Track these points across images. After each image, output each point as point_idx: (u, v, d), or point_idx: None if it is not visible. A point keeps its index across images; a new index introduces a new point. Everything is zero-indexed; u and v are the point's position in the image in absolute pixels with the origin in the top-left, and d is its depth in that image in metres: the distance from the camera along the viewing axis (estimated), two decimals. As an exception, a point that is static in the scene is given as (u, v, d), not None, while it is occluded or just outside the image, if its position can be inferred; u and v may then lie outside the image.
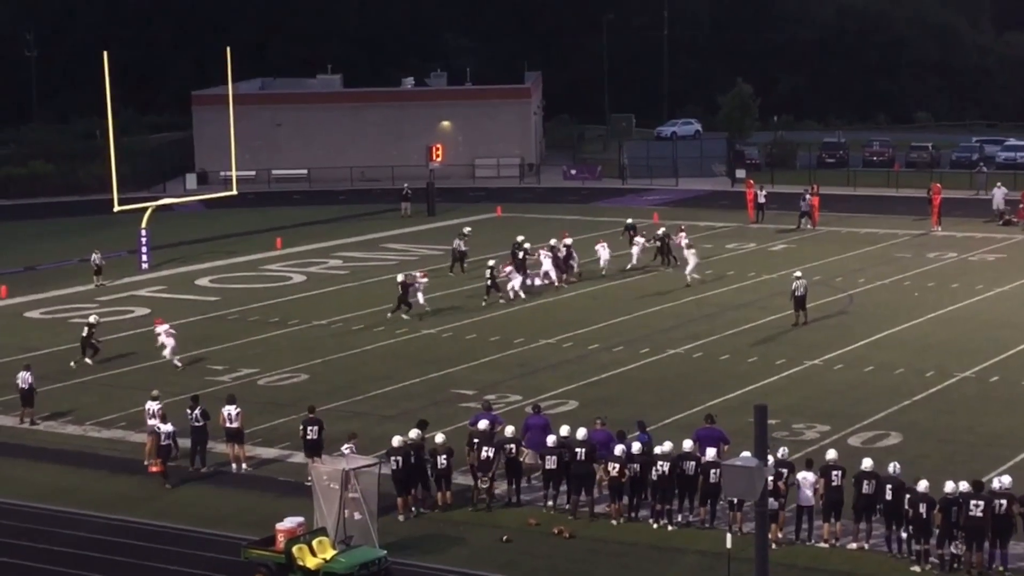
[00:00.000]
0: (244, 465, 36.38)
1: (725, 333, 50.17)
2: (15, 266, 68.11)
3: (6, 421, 41.54)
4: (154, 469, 35.51)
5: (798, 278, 51.61)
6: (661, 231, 64.44)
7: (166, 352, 46.87)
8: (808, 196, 75.24)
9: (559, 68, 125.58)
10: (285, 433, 38.70)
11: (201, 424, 36.33)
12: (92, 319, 48.65)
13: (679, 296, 56.66)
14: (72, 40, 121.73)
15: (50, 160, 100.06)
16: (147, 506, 33.92)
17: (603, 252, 61.45)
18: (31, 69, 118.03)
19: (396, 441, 32.99)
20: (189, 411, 36.57)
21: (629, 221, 66.95)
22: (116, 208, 65.79)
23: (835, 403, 41.15)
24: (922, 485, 29.29)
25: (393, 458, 32.61)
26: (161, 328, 47.47)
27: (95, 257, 62.63)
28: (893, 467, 30.36)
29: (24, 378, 41.29)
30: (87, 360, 47.35)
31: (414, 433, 33.36)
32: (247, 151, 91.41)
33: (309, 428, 35.31)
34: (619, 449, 32.39)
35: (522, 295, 56.68)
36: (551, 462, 32.78)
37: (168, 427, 35.59)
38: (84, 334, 47.83)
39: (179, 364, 46.75)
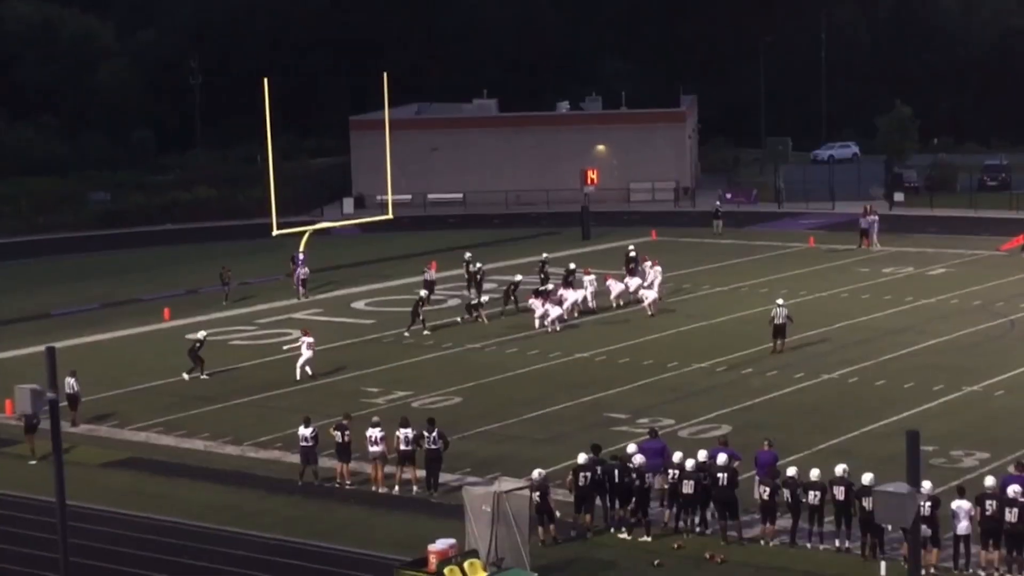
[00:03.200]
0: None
1: (881, 358, 49.50)
2: (178, 289, 69.58)
3: (168, 440, 42.45)
4: None
5: (780, 305, 50.90)
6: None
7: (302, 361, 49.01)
8: (866, 217, 74.85)
9: (715, 91, 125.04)
10: (438, 455, 38.94)
11: (311, 445, 37.31)
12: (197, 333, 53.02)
13: (833, 321, 56.03)
14: (235, 67, 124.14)
15: (212, 185, 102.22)
16: (304, 526, 34.40)
17: (614, 286, 60.89)
18: (195, 96, 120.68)
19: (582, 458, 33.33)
20: (303, 427, 37.48)
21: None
22: (275, 232, 66.94)
23: (996, 430, 40.34)
24: None
25: (582, 474, 32.98)
26: (305, 339, 49.70)
27: (300, 271, 65.54)
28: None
29: (70, 384, 43.53)
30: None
31: (582, 457, 33.48)
32: (403, 175, 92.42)
33: (344, 433, 36.77)
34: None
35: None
36: (688, 487, 32.66)
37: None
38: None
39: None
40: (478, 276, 62.78)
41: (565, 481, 33.74)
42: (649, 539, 32.52)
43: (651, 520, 33.04)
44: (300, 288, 65.54)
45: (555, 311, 56.21)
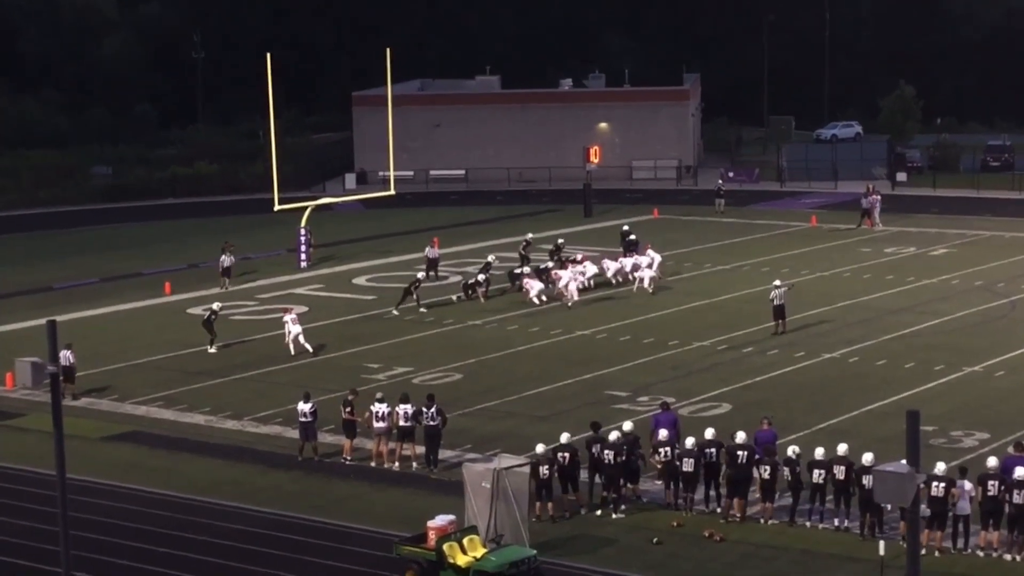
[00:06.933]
0: (398, 463, 36.77)
1: (882, 338, 49.47)
2: (179, 263, 69.54)
3: (168, 415, 42.48)
4: None
5: (777, 287, 50.71)
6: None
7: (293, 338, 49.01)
8: (868, 197, 74.71)
9: (718, 70, 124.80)
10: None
11: (310, 420, 37.24)
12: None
13: (834, 300, 56.02)
14: (237, 42, 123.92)
15: (214, 160, 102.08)
16: (303, 501, 34.44)
17: (610, 265, 60.87)
18: (198, 71, 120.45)
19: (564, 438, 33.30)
20: (303, 403, 37.34)
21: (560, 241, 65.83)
22: (276, 207, 66.88)
23: (996, 410, 40.34)
24: None
25: (560, 455, 32.88)
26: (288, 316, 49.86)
27: (224, 259, 62.29)
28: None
29: (66, 356, 42.90)
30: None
31: (564, 435, 33.47)
32: (406, 151, 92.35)
33: (349, 408, 37.01)
34: (790, 450, 32.37)
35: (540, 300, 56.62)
36: (688, 464, 32.64)
37: None
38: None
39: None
40: (522, 250, 62.74)
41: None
42: (623, 516, 32.59)
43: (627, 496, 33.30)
44: (225, 277, 62.44)
45: (537, 286, 56.29)
